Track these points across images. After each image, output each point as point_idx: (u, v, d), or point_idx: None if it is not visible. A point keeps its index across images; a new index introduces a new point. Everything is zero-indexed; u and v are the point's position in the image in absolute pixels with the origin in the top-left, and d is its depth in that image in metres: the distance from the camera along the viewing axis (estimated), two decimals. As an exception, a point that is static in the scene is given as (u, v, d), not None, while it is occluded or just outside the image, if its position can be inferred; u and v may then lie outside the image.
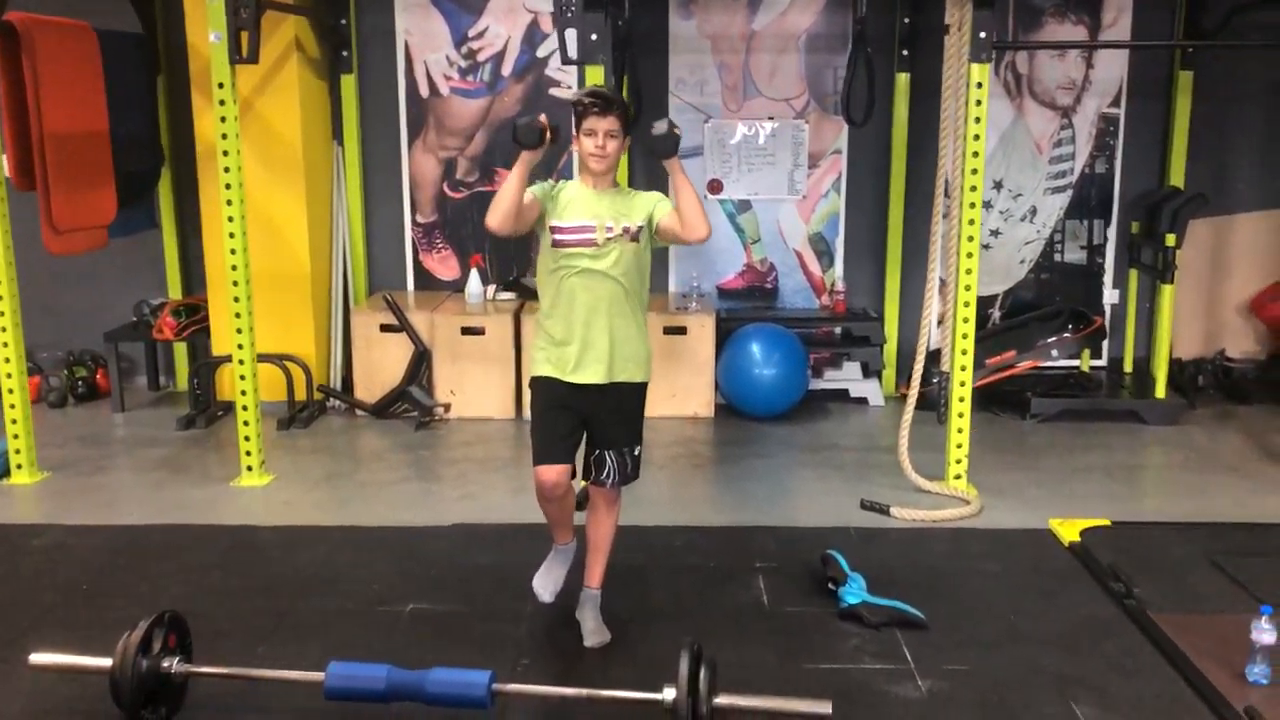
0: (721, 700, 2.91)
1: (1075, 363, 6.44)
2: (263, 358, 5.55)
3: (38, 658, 3.16)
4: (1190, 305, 6.54)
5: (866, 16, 4.64)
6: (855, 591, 3.80)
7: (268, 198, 5.98)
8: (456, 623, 3.76)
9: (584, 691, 3.06)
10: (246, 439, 5.10)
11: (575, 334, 3.40)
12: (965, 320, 4.87)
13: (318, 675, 3.06)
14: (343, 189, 6.48)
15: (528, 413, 5.97)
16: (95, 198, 5.54)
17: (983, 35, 4.63)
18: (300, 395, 6.13)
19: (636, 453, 3.61)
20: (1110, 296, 6.62)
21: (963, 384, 4.93)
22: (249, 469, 5.13)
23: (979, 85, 4.68)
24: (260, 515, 4.75)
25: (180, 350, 6.71)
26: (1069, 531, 4.46)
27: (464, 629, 3.72)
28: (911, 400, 5.04)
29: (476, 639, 3.64)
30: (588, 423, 3.49)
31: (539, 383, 3.49)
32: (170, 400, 6.58)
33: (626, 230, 3.36)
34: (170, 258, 6.62)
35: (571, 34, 4.73)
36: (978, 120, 4.70)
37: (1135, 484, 5.31)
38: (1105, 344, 6.53)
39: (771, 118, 6.46)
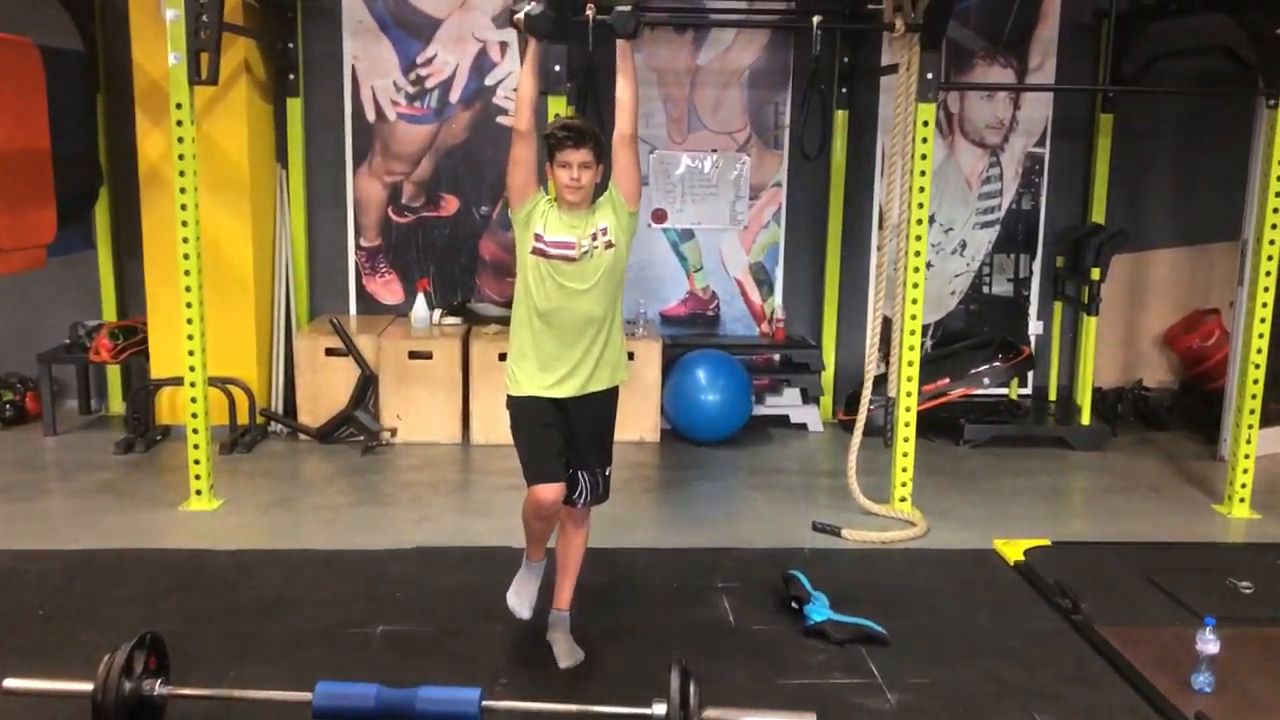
0: (710, 714, 2.98)
1: (1004, 391, 6.70)
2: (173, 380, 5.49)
3: (12, 683, 3.09)
4: (1110, 337, 6.85)
5: (820, 55, 4.83)
6: (820, 609, 3.92)
7: (213, 219, 5.90)
8: (429, 644, 3.78)
9: (574, 707, 3.12)
10: (196, 463, 5.04)
11: (553, 350, 3.45)
12: (911, 348, 5.05)
13: (305, 695, 3.06)
14: (286, 212, 6.45)
15: (475, 436, 6.12)
16: (36, 217, 5.42)
17: (929, 76, 4.84)
18: (243, 419, 6.06)
19: (608, 473, 3.69)
20: (1035, 327, 6.91)
21: (908, 409, 5.11)
22: (198, 493, 5.07)
23: (925, 123, 4.88)
24: (214, 539, 4.70)
25: (114, 373, 6.58)
26: (1013, 551, 4.65)
27: (437, 650, 3.74)
28: (860, 426, 5.20)
29: (451, 659, 3.67)
30: (567, 441, 3.55)
31: (520, 402, 3.53)
32: (103, 424, 6.44)
33: (596, 237, 3.41)
34: (106, 279, 6.50)
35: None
36: (924, 157, 4.91)
37: (1067, 506, 5.55)
38: (1030, 373, 6.80)
39: (715, 150, 6.62)
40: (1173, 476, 5.89)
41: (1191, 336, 6.77)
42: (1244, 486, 5.22)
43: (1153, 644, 3.80)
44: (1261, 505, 5.30)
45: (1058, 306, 6.81)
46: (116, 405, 6.61)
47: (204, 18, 4.76)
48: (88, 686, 3.00)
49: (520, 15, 3.45)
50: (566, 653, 3.66)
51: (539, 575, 3.73)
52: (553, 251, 3.38)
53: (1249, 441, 5.19)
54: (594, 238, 3.40)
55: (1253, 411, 5.18)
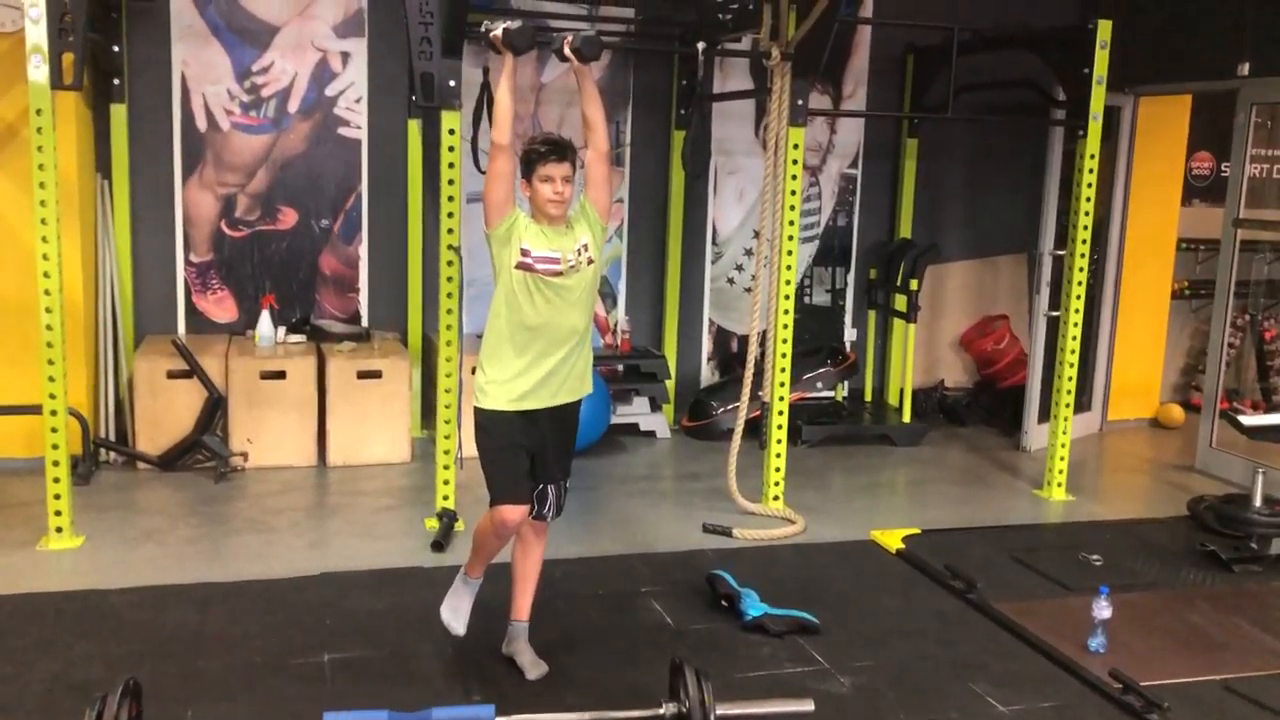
0: (721, 711, 3.12)
1: (831, 394, 7.18)
2: (30, 409, 5.06)
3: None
4: (914, 342, 7.49)
5: (703, 79, 5.08)
6: (755, 604, 4.14)
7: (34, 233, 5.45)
8: (385, 668, 3.71)
9: (586, 715, 3.18)
10: (57, 497, 4.65)
11: (532, 364, 3.47)
12: (784, 355, 5.38)
13: (314, 729, 2.96)
14: (110, 226, 6.01)
15: (332, 458, 5.94)
16: None
17: (800, 102, 5.19)
18: (74, 449, 5.59)
19: (567, 485, 3.75)
20: (850, 334, 7.45)
21: (781, 413, 5.43)
22: (58, 530, 4.68)
23: (795, 146, 5.23)
24: (94, 578, 4.36)
25: (-97, 404, 5.90)
26: (891, 540, 5.05)
27: (396, 673, 3.68)
28: (738, 431, 5.46)
29: (416, 682, 3.62)
30: (534, 457, 3.59)
31: (489, 417, 3.52)
32: (-107, 461, 5.77)
33: (579, 253, 3.49)
34: (-105, 300, 5.82)
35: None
36: (794, 178, 5.25)
37: (911, 496, 6.07)
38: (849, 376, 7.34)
39: (559, 166, 6.72)
40: (987, 466, 6.53)
41: (985, 340, 7.51)
42: (1061, 472, 5.89)
43: (1043, 615, 4.27)
44: (1069, 488, 5.98)
45: (871, 315, 7.39)
46: (-91, 441, 5.94)
47: (67, 17, 4.42)
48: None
49: (497, 32, 3.48)
50: (532, 663, 3.69)
51: (475, 591, 3.74)
52: (539, 266, 3.42)
53: (1065, 432, 5.85)
54: (578, 253, 3.47)
55: (1068, 405, 5.85)
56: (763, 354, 5.47)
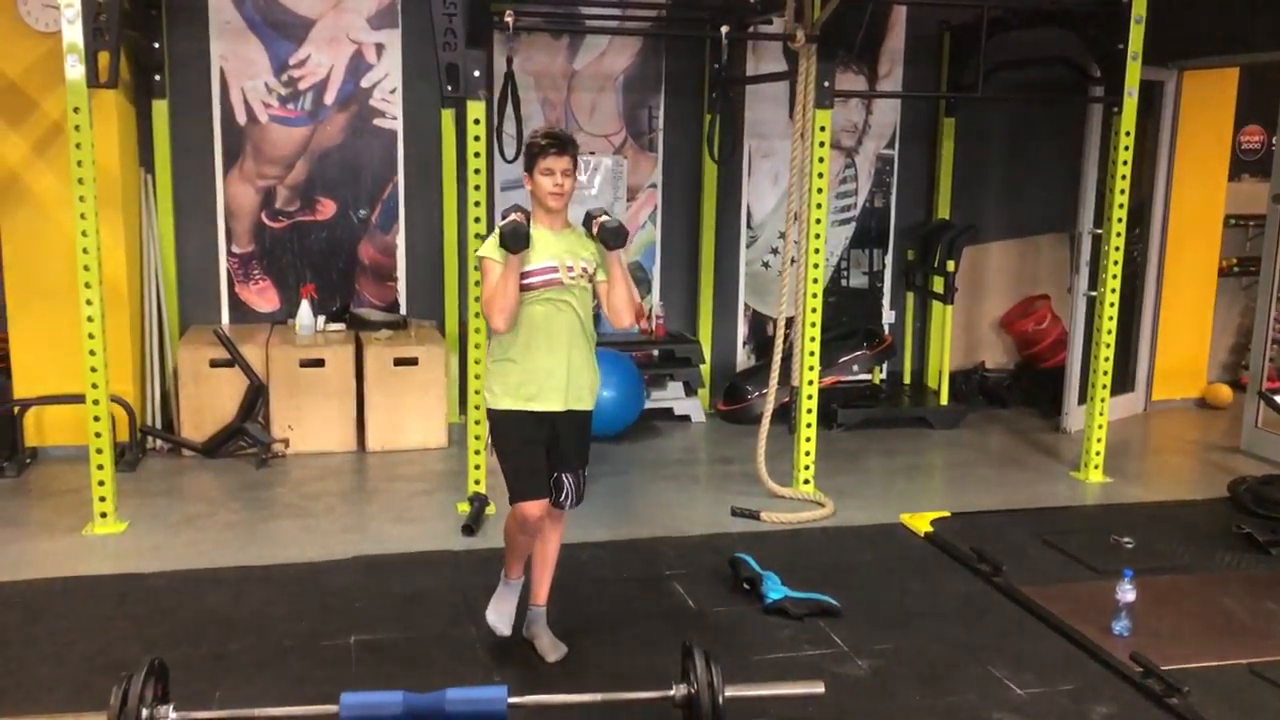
0: (731, 692, 3.15)
1: (868, 376, 7.16)
2: (74, 398, 5.22)
3: (14, 722, 2.94)
4: (953, 323, 7.41)
5: (725, 64, 5.07)
6: (776, 587, 4.17)
7: (99, 228, 5.61)
8: (408, 650, 3.79)
9: (598, 696, 3.23)
10: (101, 484, 4.81)
11: (536, 365, 3.53)
12: (812, 339, 5.38)
13: (331, 708, 3.04)
14: (154, 219, 6.16)
15: (370, 444, 6.05)
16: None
17: (826, 84, 5.16)
18: (122, 436, 5.77)
19: (585, 473, 3.80)
20: (888, 316, 7.41)
21: (810, 397, 5.43)
22: (103, 515, 4.83)
23: (822, 128, 5.21)
24: (136, 562, 4.50)
25: (-41, 395, 6.12)
26: (920, 523, 5.04)
27: (419, 655, 3.76)
28: (767, 415, 5.47)
29: (436, 664, 3.69)
30: (548, 449, 3.64)
31: (502, 416, 3.59)
32: (-49, 449, 5.98)
33: (585, 271, 3.56)
34: (-49, 294, 6.03)
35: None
36: (821, 160, 5.23)
37: (946, 479, 6.04)
38: (888, 359, 7.29)
39: (592, 153, 6.77)
40: (1025, 448, 6.47)
41: (1025, 321, 7.42)
42: (1098, 455, 5.82)
43: (1068, 598, 4.24)
44: (1108, 469, 5.91)
45: (909, 297, 7.34)
46: (-36, 429, 6.15)
47: (102, 16, 4.54)
48: (99, 718, 2.90)
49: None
50: (550, 646, 3.76)
51: (517, 593, 3.80)
52: (539, 281, 3.49)
53: (1102, 414, 5.78)
54: (584, 268, 3.54)
55: (1105, 387, 5.78)
56: (789, 339, 5.46)
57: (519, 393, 3.54)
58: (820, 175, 5.24)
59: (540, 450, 3.58)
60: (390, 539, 4.84)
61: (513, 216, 3.45)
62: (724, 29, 5.13)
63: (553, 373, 3.54)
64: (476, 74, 4.82)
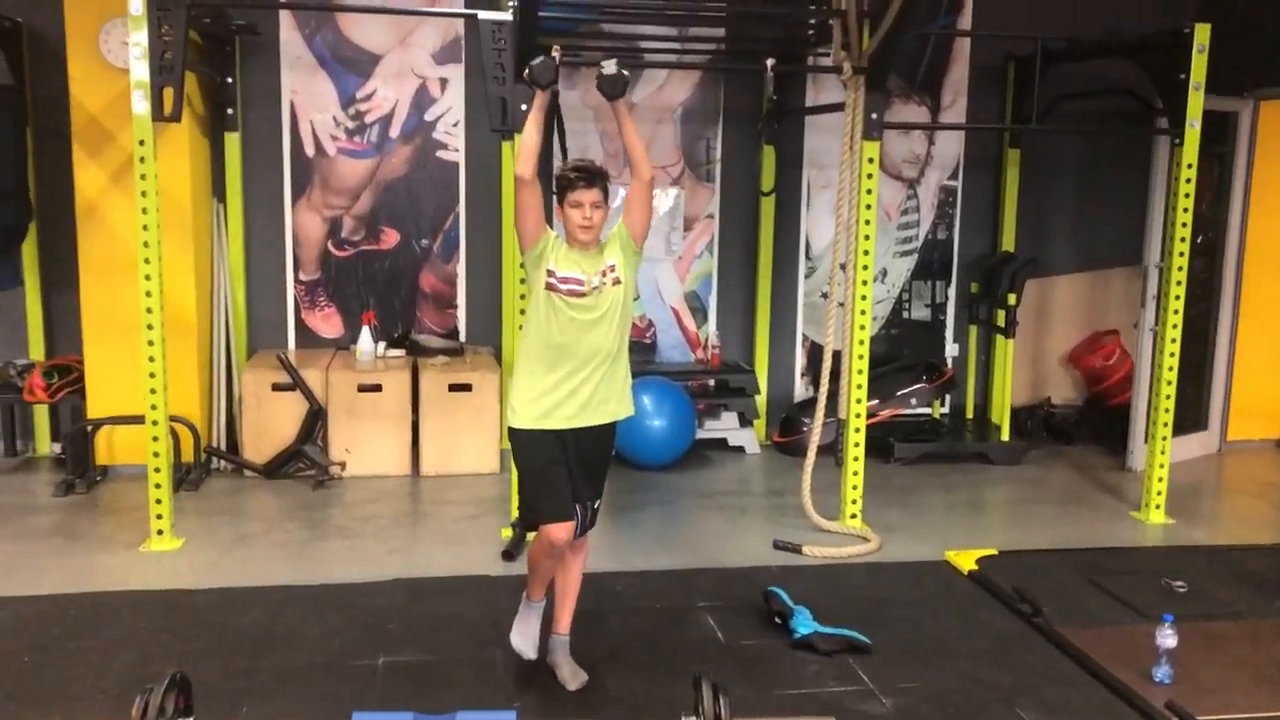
0: (739, 724, 3.14)
1: (928, 410, 7.06)
2: (134, 419, 5.41)
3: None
4: (1019, 357, 7.28)
5: (772, 96, 5.09)
6: (806, 622, 4.13)
7: (162, 256, 5.85)
8: (433, 673, 3.84)
9: (607, 724, 3.24)
10: (158, 502, 4.97)
11: (560, 382, 3.57)
12: (860, 372, 5.33)
13: (343, 727, 3.10)
14: (224, 247, 6.39)
15: (425, 468, 6.16)
16: (-29, 255, 5.32)
17: (874, 116, 5.14)
18: (187, 457, 5.97)
19: (597, 505, 3.81)
20: (951, 350, 7.30)
21: (857, 430, 5.38)
22: (159, 533, 5.00)
23: (870, 160, 5.19)
24: (186, 578, 4.65)
25: (41, 413, 6.40)
26: (965, 561, 4.95)
27: (443, 679, 3.81)
28: (813, 448, 5.43)
29: (459, 687, 3.74)
30: (568, 470, 3.67)
31: (524, 436, 3.63)
32: (31, 466, 6.26)
33: (605, 274, 3.57)
34: (34, 316, 6.32)
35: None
36: (869, 191, 5.20)
37: (1001, 517, 5.92)
38: (949, 393, 7.18)
39: (650, 183, 6.82)
40: (1088, 487, 6.31)
41: (1094, 356, 7.25)
42: (1160, 494, 5.65)
43: (1109, 642, 4.12)
44: (1173, 510, 5.73)
45: (972, 330, 7.23)
46: (44, 446, 6.43)
47: (167, 54, 4.75)
48: (123, 729, 3.00)
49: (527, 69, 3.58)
50: (571, 675, 3.77)
51: (540, 614, 3.82)
52: (562, 287, 3.53)
53: (1163, 453, 5.62)
54: (603, 275, 3.56)
55: (1166, 425, 5.62)
56: (836, 370, 5.42)
57: (541, 411, 3.58)
58: (869, 207, 5.21)
59: (562, 471, 3.61)
60: (433, 562, 4.92)
61: (552, 55, 3.54)
62: (769, 62, 5.14)
63: (577, 392, 3.57)
64: (524, 107, 4.90)
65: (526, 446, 3.63)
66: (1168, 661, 3.82)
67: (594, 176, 3.55)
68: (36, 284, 6.30)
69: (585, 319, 3.55)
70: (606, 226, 3.64)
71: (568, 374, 3.56)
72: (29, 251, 6.26)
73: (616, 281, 3.59)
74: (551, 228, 3.66)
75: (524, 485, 3.68)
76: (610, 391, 3.65)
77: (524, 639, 3.78)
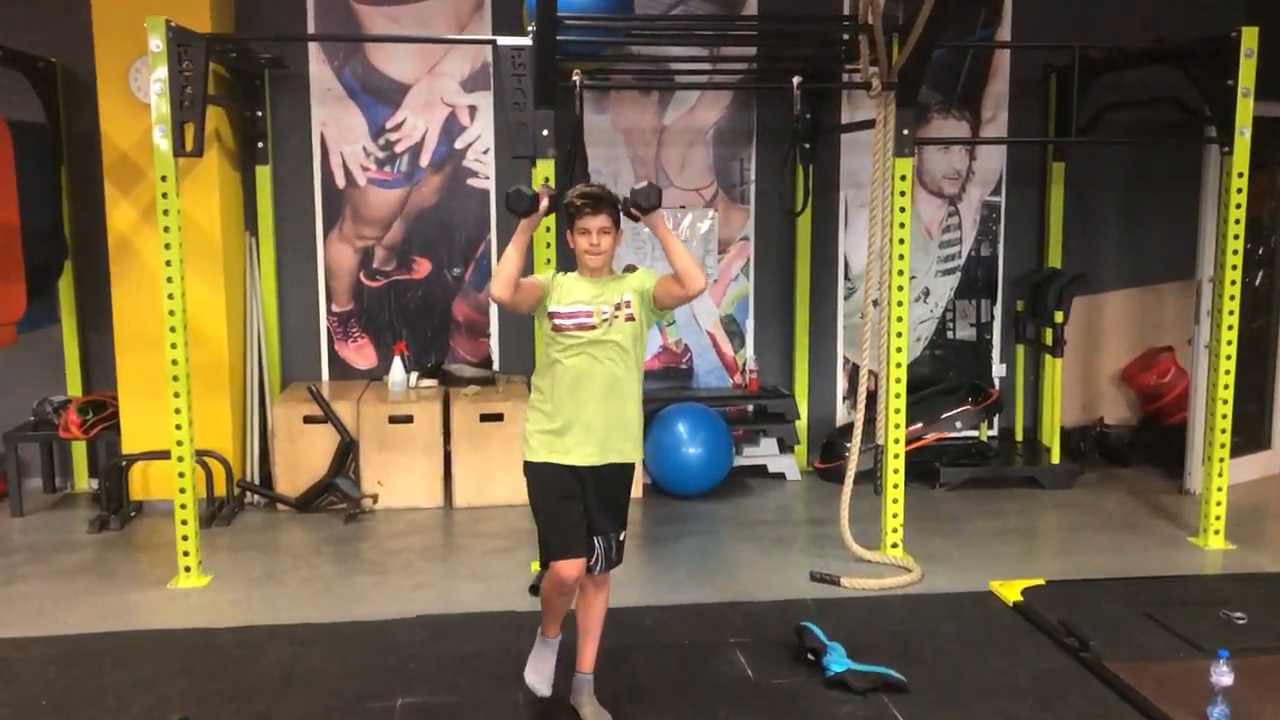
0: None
1: (974, 433, 6.84)
2: (159, 454, 5.39)
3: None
4: (1070, 376, 7.04)
5: (784, 112, 4.97)
6: (839, 660, 3.96)
7: (186, 290, 5.85)
8: (454, 715, 3.74)
9: (622, 771, 3.11)
10: (185, 539, 4.94)
11: (571, 416, 3.48)
12: (897, 396, 5.16)
13: (349, 775, 3.01)
14: (257, 280, 6.39)
15: (457, 500, 6.08)
16: (6, 293, 5.34)
17: (905, 132, 5.00)
18: (220, 491, 5.95)
19: (622, 538, 3.69)
20: (998, 370, 7.08)
21: (896, 456, 5.21)
22: (187, 570, 4.96)
23: (903, 177, 5.03)
24: (211, 617, 4.60)
25: (79, 450, 6.44)
26: (1010, 592, 4.74)
27: (461, 718, 3.70)
28: (850, 474, 5.27)
29: (478, 728, 3.64)
30: (584, 506, 3.56)
31: (537, 470, 3.54)
32: (69, 502, 6.28)
33: (619, 309, 3.48)
34: (70, 353, 6.36)
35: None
36: (902, 210, 5.05)
37: (1050, 545, 5.69)
38: (997, 415, 6.96)
39: (683, 207, 6.72)
40: (1144, 511, 6.06)
41: (1148, 374, 7.00)
42: (1218, 519, 5.39)
43: (1161, 678, 3.90)
44: (1234, 536, 5.47)
45: (1020, 349, 7.01)
46: (82, 482, 6.46)
47: (188, 89, 4.74)
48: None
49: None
50: (594, 716, 3.65)
51: (555, 651, 3.71)
52: (569, 323, 3.44)
53: (1220, 475, 5.37)
54: (617, 308, 3.46)
55: (1223, 446, 5.37)
56: (873, 395, 5.25)
57: (553, 445, 3.48)
58: (902, 225, 5.05)
59: (576, 507, 3.50)
60: (459, 597, 4.82)
61: (538, 188, 3.44)
62: (795, 80, 5.02)
63: (590, 426, 3.47)
64: (545, 133, 4.83)
65: (539, 480, 3.54)
66: (1224, 700, 3.59)
67: (601, 202, 3.46)
68: (73, 320, 6.33)
69: (595, 350, 3.46)
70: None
71: (581, 408, 3.45)
72: (65, 288, 6.30)
73: (630, 318, 3.49)
74: (557, 269, 3.55)
75: (537, 520, 3.58)
76: (627, 430, 3.54)
77: (538, 676, 3.67)
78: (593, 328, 3.46)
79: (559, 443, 3.49)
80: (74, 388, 6.38)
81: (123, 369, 5.94)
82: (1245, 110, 5.15)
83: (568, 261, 3.69)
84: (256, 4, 6.27)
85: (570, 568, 3.47)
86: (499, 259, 3.53)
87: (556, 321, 3.47)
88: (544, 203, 3.45)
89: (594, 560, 3.58)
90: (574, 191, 3.53)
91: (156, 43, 4.65)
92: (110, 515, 5.79)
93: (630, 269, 3.55)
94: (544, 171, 4.87)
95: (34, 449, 6.35)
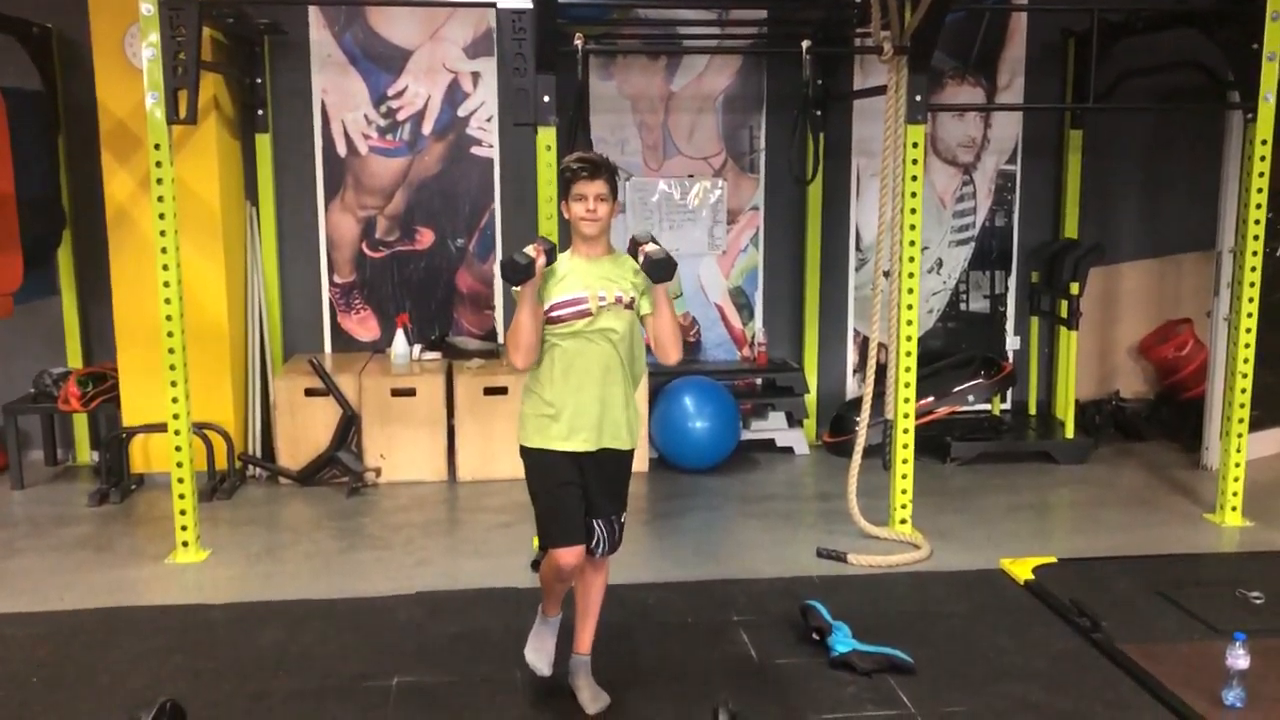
0: (760, 756, 2.92)
1: (987, 407, 6.72)
2: (157, 427, 5.32)
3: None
4: (1085, 349, 6.90)
5: (795, 79, 4.84)
6: (844, 640, 3.87)
7: (185, 261, 5.70)
8: (450, 694, 3.67)
9: (618, 756, 3.03)
10: (182, 513, 4.87)
11: (566, 401, 3.37)
12: (907, 370, 5.05)
13: (339, 758, 2.94)
14: (258, 250, 6.30)
15: (461, 473, 6.00)
16: (2, 264, 5.26)
17: (918, 98, 4.85)
18: (221, 465, 5.88)
19: (622, 519, 3.60)
20: (1012, 343, 6.95)
21: (906, 431, 5.10)
22: (184, 544, 4.90)
23: (914, 145, 4.90)
24: (207, 593, 4.54)
25: (80, 422, 6.37)
26: (1021, 570, 4.64)
27: (460, 700, 3.63)
28: (859, 449, 5.16)
29: (476, 711, 3.56)
30: (583, 491, 3.46)
31: (534, 455, 3.44)
32: (71, 475, 6.23)
33: (619, 299, 3.38)
34: (70, 325, 6.29)
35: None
36: (914, 178, 4.92)
37: (1063, 521, 5.58)
38: (1010, 388, 6.83)
39: (691, 175, 6.59)
40: (1159, 487, 5.94)
41: (1165, 347, 6.86)
42: (1235, 495, 5.28)
43: (1176, 660, 3.80)
44: (1251, 512, 5.35)
45: (1034, 321, 6.87)
46: (84, 455, 6.41)
47: (181, 55, 4.63)
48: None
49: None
50: (591, 698, 3.57)
51: (555, 630, 3.63)
52: (565, 313, 3.34)
53: (1239, 450, 5.24)
54: (617, 298, 3.36)
55: (1241, 420, 5.24)
56: (883, 367, 5.14)
57: (550, 431, 3.39)
58: (914, 194, 4.92)
59: (574, 492, 3.41)
60: (460, 574, 4.75)
61: (530, 248, 3.29)
62: (805, 44, 4.88)
63: (585, 410, 3.37)
64: (546, 99, 4.71)
65: (536, 466, 3.44)
66: (1240, 683, 3.49)
67: (598, 168, 3.34)
68: (72, 292, 6.26)
69: (594, 333, 3.35)
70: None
71: (577, 393, 3.35)
72: (64, 259, 6.22)
73: (628, 306, 3.38)
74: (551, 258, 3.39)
75: (535, 506, 3.49)
76: (623, 417, 3.44)
77: (538, 654, 3.59)
78: (589, 315, 3.35)
79: (555, 427, 3.39)
80: (74, 360, 6.31)
81: (122, 340, 5.87)
82: (1271, 75, 4.98)
83: (567, 241, 3.53)
84: (254, -32, 6.14)
85: (569, 555, 3.38)
86: (509, 327, 3.39)
87: (553, 314, 3.35)
88: (540, 260, 3.29)
89: (595, 544, 3.49)
90: (570, 157, 3.41)
91: (148, 7, 4.54)
92: (110, 488, 5.73)
93: (647, 240, 3.37)
94: (545, 140, 4.74)
95: (35, 421, 6.29)
